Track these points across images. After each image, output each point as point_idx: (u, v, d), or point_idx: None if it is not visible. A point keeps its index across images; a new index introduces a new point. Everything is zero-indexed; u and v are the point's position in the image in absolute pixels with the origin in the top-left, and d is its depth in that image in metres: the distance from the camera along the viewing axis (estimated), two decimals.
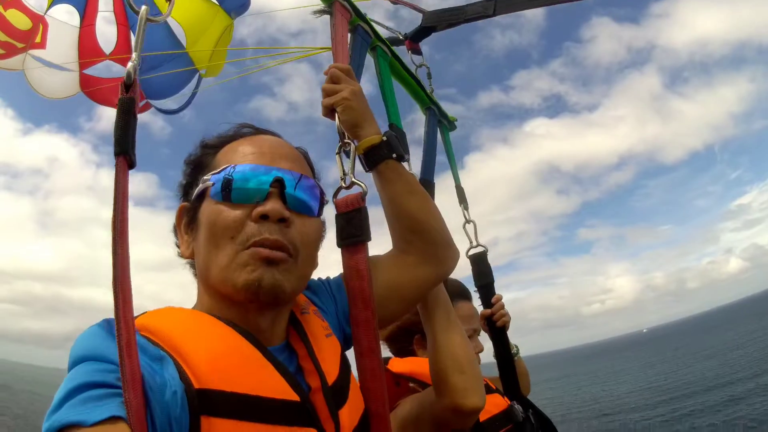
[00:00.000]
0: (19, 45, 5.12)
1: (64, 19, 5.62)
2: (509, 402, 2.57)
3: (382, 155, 1.60)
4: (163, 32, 5.73)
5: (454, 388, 1.73)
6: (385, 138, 1.62)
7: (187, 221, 1.34)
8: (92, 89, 5.56)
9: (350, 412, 1.26)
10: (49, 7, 5.41)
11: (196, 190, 1.29)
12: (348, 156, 1.65)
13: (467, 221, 2.90)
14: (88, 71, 5.66)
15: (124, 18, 5.73)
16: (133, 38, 5.79)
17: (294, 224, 1.26)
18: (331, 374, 1.26)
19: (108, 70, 5.80)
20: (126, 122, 1.12)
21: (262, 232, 1.20)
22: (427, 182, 2.62)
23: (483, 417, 2.27)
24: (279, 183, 1.25)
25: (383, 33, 2.71)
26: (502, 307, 2.81)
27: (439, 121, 2.94)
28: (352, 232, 1.51)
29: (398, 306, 1.60)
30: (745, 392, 25.18)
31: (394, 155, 1.61)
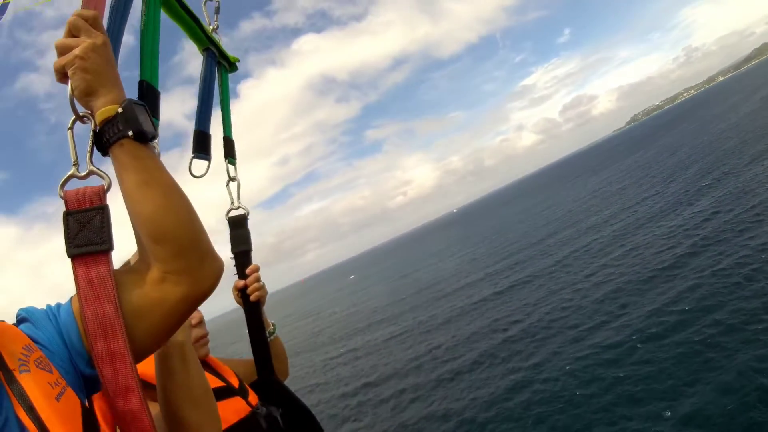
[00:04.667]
0: None
1: None
2: (252, 406, 2.33)
3: (115, 132, 1.26)
4: None
5: (188, 424, 1.63)
6: (120, 109, 1.27)
7: None
8: None
9: None
10: None
11: None
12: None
13: (231, 179, 2.64)
14: None
15: None
16: None
17: None
18: None
19: None
20: None
21: None
22: (203, 134, 2.40)
23: None
24: None
25: None
26: (258, 279, 2.62)
27: (219, 63, 2.64)
28: (91, 238, 1.21)
29: (146, 337, 1.26)
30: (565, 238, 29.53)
31: (131, 132, 1.26)
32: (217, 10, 2.68)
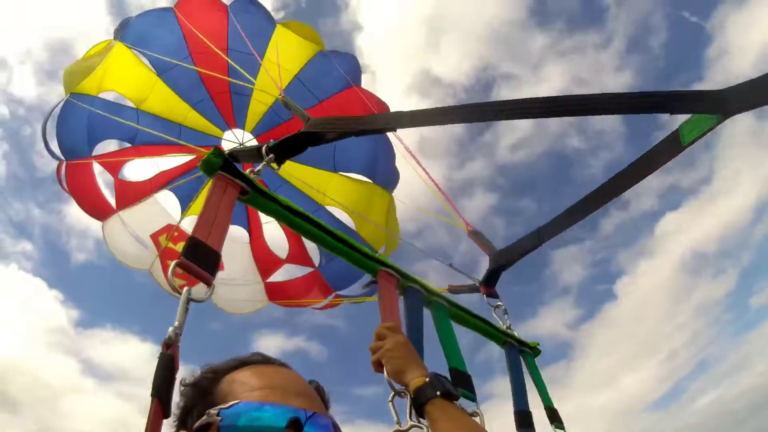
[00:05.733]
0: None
1: (234, 237, 6.37)
2: None
3: (426, 395, 1.62)
4: (332, 225, 6.35)
5: None
6: (427, 378, 1.67)
7: None
8: (282, 302, 6.37)
9: None
10: None
11: (200, 422, 1.18)
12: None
13: None
14: (272, 279, 6.44)
15: None
16: (309, 249, 6.57)
17: None
18: None
19: (289, 272, 6.62)
20: (164, 375, 1.37)
21: None
22: (524, 413, 2.67)
23: None
24: (295, 425, 1.14)
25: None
26: None
27: (521, 351, 2.94)
28: None
29: None
30: None
31: (438, 393, 1.61)
32: (506, 311, 3.04)
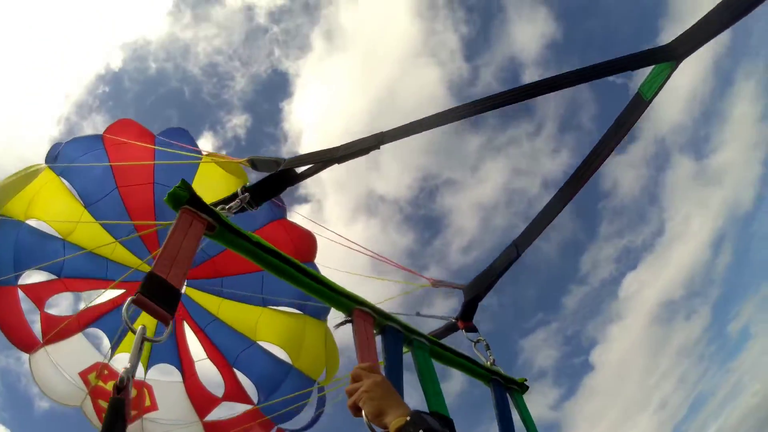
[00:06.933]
0: (131, 412, 5.98)
1: (165, 378, 6.20)
2: None
3: None
4: (266, 361, 6.31)
5: None
6: (409, 417, 1.58)
7: None
8: None
9: None
10: (146, 371, 6.08)
11: None
12: None
13: None
14: (209, 418, 6.06)
15: (223, 360, 6.32)
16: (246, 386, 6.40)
17: None
18: None
19: (230, 409, 6.29)
20: (112, 420, 1.28)
21: None
22: None
23: None
24: None
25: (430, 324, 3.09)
26: None
27: (508, 388, 2.82)
28: None
29: None
30: None
31: (421, 431, 1.52)
32: (488, 346, 2.94)
